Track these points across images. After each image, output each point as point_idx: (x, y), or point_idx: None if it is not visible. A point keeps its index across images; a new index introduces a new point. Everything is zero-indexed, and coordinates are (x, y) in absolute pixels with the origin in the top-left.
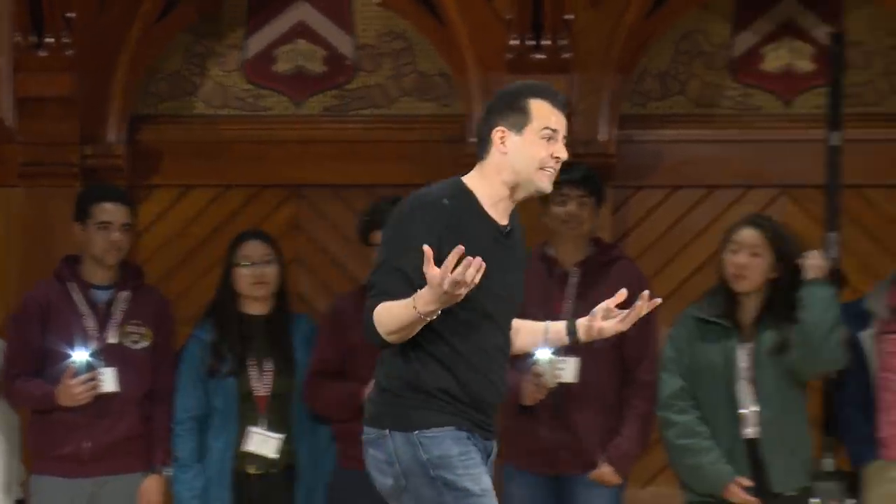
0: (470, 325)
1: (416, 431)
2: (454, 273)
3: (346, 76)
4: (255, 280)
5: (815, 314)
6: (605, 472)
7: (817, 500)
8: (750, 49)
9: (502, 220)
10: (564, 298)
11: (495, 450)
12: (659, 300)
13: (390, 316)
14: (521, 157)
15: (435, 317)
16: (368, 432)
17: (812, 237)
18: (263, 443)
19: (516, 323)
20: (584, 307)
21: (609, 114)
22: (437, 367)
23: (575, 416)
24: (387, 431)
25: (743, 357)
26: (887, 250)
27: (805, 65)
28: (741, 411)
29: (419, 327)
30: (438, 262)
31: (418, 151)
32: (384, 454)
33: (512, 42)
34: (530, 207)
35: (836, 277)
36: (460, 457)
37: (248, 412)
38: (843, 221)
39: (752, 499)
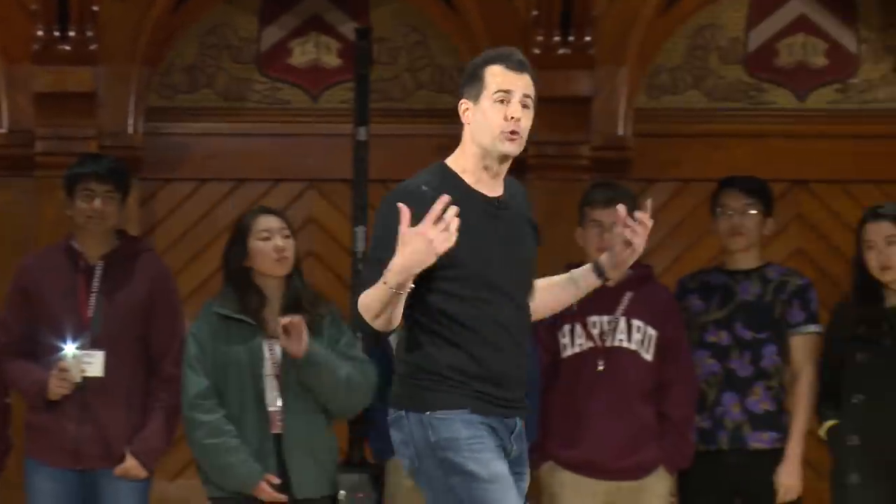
0: (478, 300)
1: (428, 413)
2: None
3: None
4: None
5: None
6: (131, 465)
7: (343, 493)
8: (277, 43)
9: (492, 192)
10: (90, 292)
11: (520, 426)
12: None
13: (369, 300)
14: (481, 127)
15: (407, 290)
16: (390, 413)
17: (340, 231)
18: None
19: (538, 283)
20: (109, 301)
21: (136, 106)
22: (448, 346)
23: (101, 411)
24: (403, 412)
25: (269, 354)
26: None
27: (332, 60)
28: (269, 409)
29: (397, 304)
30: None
31: None
32: (402, 435)
33: (37, 33)
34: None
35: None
36: (468, 440)
37: None
38: (371, 215)
39: (281, 496)
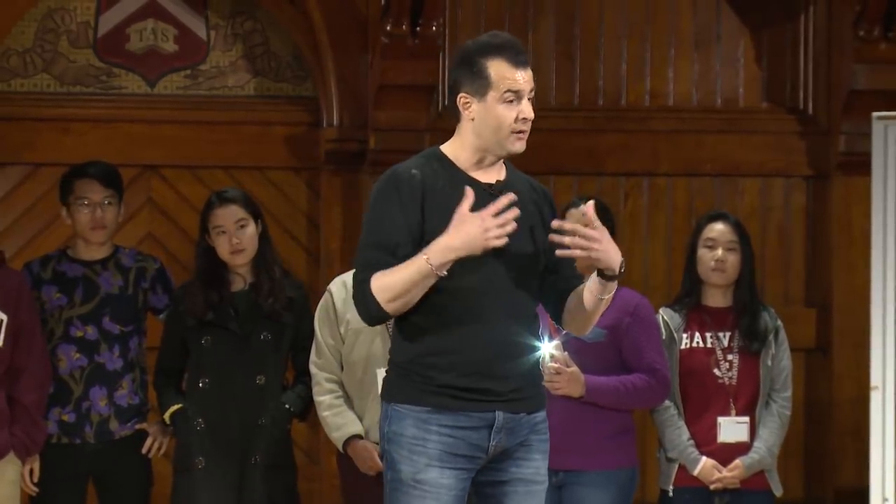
0: (455, 290)
1: (391, 403)
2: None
3: None
4: None
5: None
6: None
7: None
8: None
9: (489, 178)
10: None
11: (500, 417)
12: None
13: (394, 279)
14: (487, 125)
15: (442, 274)
16: None
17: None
18: None
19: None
20: None
21: None
22: (420, 336)
23: None
24: (383, 402)
25: None
26: None
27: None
28: None
29: (426, 287)
30: (424, 232)
31: None
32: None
33: None
34: None
35: None
36: (412, 439)
37: None
38: None
39: None
